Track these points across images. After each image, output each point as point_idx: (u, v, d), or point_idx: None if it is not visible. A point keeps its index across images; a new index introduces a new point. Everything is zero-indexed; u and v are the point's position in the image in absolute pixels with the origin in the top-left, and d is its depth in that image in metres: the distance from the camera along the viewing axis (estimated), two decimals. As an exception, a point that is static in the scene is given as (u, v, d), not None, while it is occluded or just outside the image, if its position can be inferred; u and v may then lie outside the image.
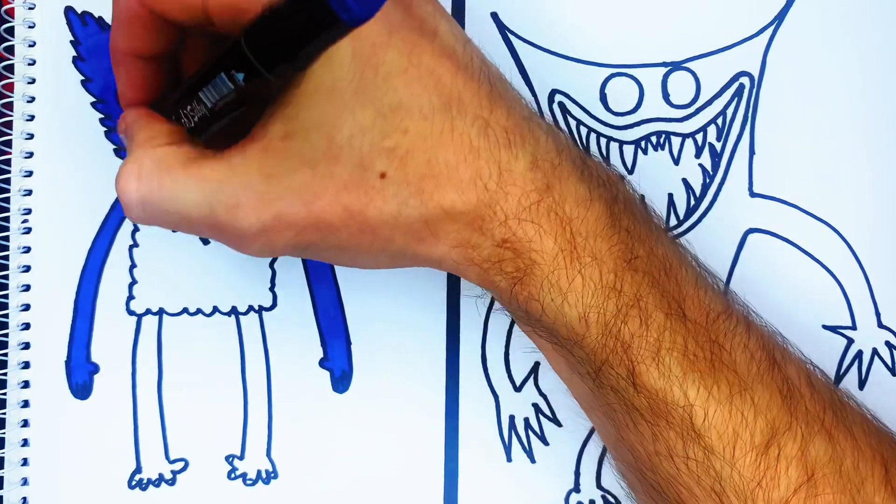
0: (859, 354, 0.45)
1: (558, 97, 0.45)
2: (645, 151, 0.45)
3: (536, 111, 0.38)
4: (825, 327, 0.45)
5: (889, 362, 0.45)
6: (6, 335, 0.43)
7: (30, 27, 0.43)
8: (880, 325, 0.45)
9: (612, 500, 0.45)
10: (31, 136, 0.43)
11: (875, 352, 0.45)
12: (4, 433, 0.43)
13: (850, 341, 0.45)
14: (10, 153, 0.43)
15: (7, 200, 0.43)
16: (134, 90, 0.38)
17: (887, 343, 0.45)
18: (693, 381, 0.35)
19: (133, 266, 0.44)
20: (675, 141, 0.45)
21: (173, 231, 0.36)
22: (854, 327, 0.45)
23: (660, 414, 0.35)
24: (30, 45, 0.43)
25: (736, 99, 0.45)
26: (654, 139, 0.45)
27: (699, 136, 0.45)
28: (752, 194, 0.45)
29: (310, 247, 0.35)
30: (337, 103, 0.33)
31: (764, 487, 0.35)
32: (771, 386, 0.36)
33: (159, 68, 0.37)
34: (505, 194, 0.35)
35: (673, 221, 0.45)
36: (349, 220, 0.34)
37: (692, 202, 0.45)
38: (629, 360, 0.35)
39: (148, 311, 0.44)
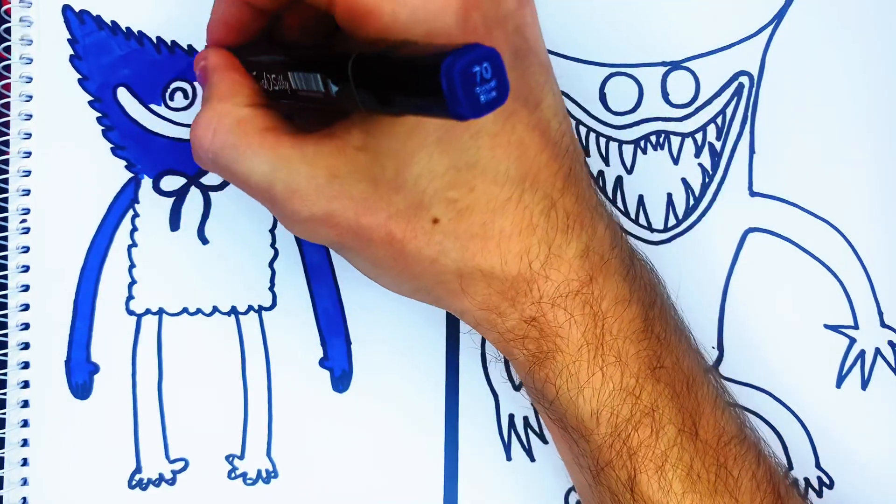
0: (861, 354, 0.45)
1: (558, 96, 0.45)
2: (644, 151, 0.45)
3: (604, 199, 0.39)
4: (827, 327, 0.45)
5: (892, 362, 0.45)
6: (6, 335, 0.43)
7: (27, 25, 0.43)
8: (883, 325, 0.45)
9: (612, 498, 0.45)
10: (29, 136, 0.43)
11: (878, 351, 0.45)
12: (4, 433, 0.43)
13: (853, 341, 0.45)
14: (7, 153, 0.43)
15: (6, 200, 0.43)
16: (226, 30, 0.38)
17: (890, 343, 0.45)
18: (691, 501, 0.36)
19: (132, 266, 0.44)
20: (675, 140, 0.45)
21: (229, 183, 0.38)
22: (856, 327, 0.45)
23: None
24: (27, 44, 0.43)
25: (735, 98, 0.45)
26: (653, 139, 0.45)
27: (699, 136, 0.45)
28: (752, 193, 0.45)
29: (345, 249, 0.36)
30: (418, 141, 0.33)
31: None
32: None
33: (261, 17, 0.37)
34: (546, 276, 0.35)
35: (672, 221, 0.45)
36: (388, 245, 0.34)
37: (692, 202, 0.45)
38: (632, 466, 0.36)
39: (148, 311, 0.44)
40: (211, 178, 0.44)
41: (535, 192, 0.35)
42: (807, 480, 0.45)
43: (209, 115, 0.35)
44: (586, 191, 0.37)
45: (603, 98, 0.45)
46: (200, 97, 0.44)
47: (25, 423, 0.43)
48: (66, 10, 0.43)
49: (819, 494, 0.45)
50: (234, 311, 0.44)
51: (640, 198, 0.45)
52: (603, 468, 0.36)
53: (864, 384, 0.45)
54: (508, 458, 0.45)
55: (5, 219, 0.43)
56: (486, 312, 0.36)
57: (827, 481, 0.45)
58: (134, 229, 0.44)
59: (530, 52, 0.35)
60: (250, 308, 0.44)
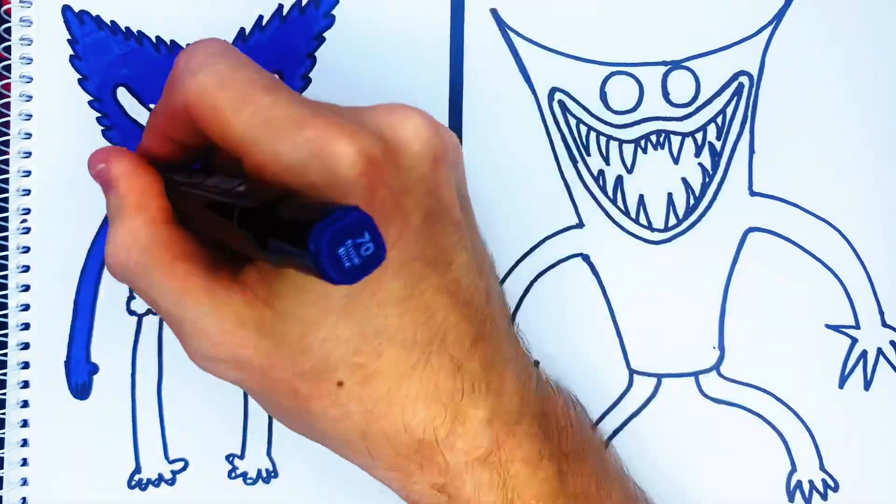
0: (864, 354, 0.45)
1: (558, 95, 0.45)
2: (645, 150, 0.45)
3: (527, 350, 0.39)
4: (828, 327, 0.45)
5: (894, 362, 0.45)
6: (6, 335, 0.43)
7: (27, 25, 0.43)
8: (884, 325, 0.45)
9: (612, 499, 0.45)
10: (29, 136, 0.43)
11: (880, 351, 0.45)
12: (4, 433, 0.43)
13: (854, 341, 0.45)
14: (8, 153, 0.43)
15: (6, 200, 0.43)
16: (159, 147, 0.37)
17: (892, 342, 0.45)
18: None
19: (132, 266, 0.44)
20: (675, 140, 0.45)
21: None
22: (857, 326, 0.45)
23: None
24: (27, 44, 0.43)
25: (735, 98, 0.45)
26: (653, 138, 0.45)
27: (699, 135, 0.45)
28: (752, 193, 0.45)
29: (249, 390, 0.36)
30: (323, 308, 0.32)
31: None
32: None
33: (187, 152, 0.37)
34: (452, 444, 0.34)
35: (672, 221, 0.45)
36: (294, 399, 0.34)
37: (692, 201, 0.45)
38: None
39: (148, 311, 0.44)
40: (211, 178, 0.44)
41: (442, 355, 0.34)
42: (811, 483, 0.45)
43: (123, 235, 0.34)
44: (497, 348, 0.36)
45: (603, 97, 0.45)
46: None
47: (25, 424, 0.43)
48: (66, 10, 0.43)
49: (824, 497, 0.45)
50: (233, 311, 0.44)
51: (641, 197, 0.45)
52: None
53: (867, 385, 0.45)
54: (509, 459, 0.45)
55: (5, 219, 0.43)
56: (395, 475, 0.35)
57: (832, 484, 0.45)
58: (134, 229, 0.44)
59: (444, 213, 0.34)
60: (250, 308, 0.44)
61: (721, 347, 0.45)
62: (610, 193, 0.45)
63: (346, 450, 0.36)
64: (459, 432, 0.34)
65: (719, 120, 0.45)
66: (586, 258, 0.45)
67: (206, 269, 0.33)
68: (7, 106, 0.43)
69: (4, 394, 0.43)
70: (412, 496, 0.36)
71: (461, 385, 0.34)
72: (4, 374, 0.43)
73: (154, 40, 0.44)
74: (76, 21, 0.44)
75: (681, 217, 0.45)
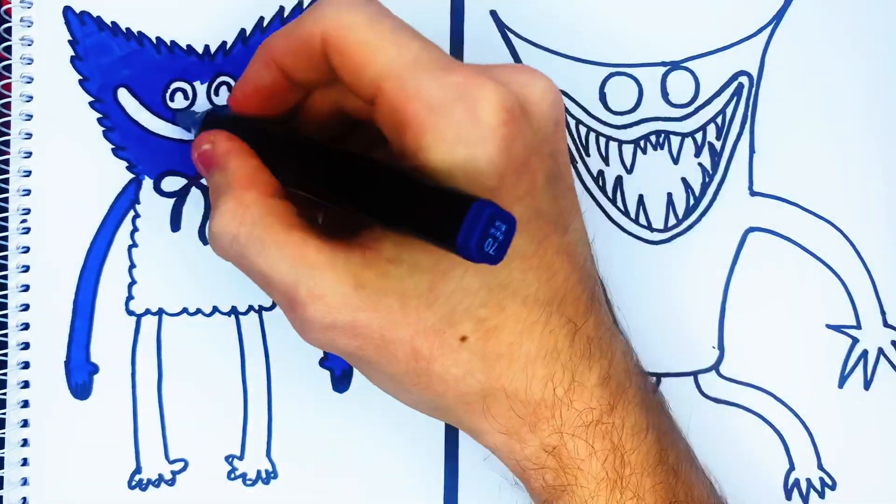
0: (864, 354, 0.45)
1: (558, 96, 0.45)
2: (644, 151, 0.45)
3: (617, 320, 0.40)
4: (829, 327, 0.45)
5: (895, 362, 0.45)
6: (6, 335, 0.43)
7: (27, 26, 0.43)
8: (885, 325, 0.45)
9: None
10: (30, 136, 0.43)
11: (881, 351, 0.45)
12: (4, 433, 0.43)
13: (855, 341, 0.45)
14: (8, 153, 0.43)
15: (6, 200, 0.43)
16: (256, 97, 0.37)
17: (893, 342, 0.45)
18: None
19: (132, 266, 0.44)
20: (675, 140, 0.45)
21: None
22: (859, 326, 0.45)
23: None
24: (27, 44, 0.43)
25: (735, 98, 0.45)
26: (653, 138, 0.45)
27: (699, 136, 0.45)
28: (753, 193, 0.45)
29: (364, 361, 0.35)
30: (454, 259, 0.31)
31: None
32: None
33: (295, 92, 0.37)
34: (569, 403, 0.35)
35: (672, 221, 0.45)
36: (413, 362, 0.34)
37: (692, 201, 0.45)
38: None
39: (147, 312, 0.44)
40: (211, 179, 0.44)
41: (561, 316, 0.35)
42: (809, 482, 0.45)
43: (233, 205, 0.34)
44: (605, 315, 0.37)
45: (603, 98, 0.45)
46: (199, 104, 0.44)
47: (25, 423, 0.43)
48: (67, 11, 0.43)
49: (821, 496, 0.45)
50: (234, 311, 0.44)
51: (641, 197, 0.45)
52: None
53: (867, 384, 0.45)
54: (509, 459, 0.45)
55: (5, 219, 0.43)
56: (506, 437, 0.36)
57: (829, 482, 0.45)
58: (134, 230, 0.44)
59: (561, 177, 0.35)
60: (250, 308, 0.44)
61: (721, 347, 0.45)
62: (609, 194, 0.45)
63: (461, 411, 0.35)
64: (577, 393, 0.35)
65: (719, 120, 0.45)
66: (586, 258, 0.45)
67: (321, 236, 0.34)
68: (7, 106, 0.43)
69: (4, 394, 0.43)
70: (521, 462, 0.36)
71: (578, 347, 0.35)
72: (4, 374, 0.43)
73: (154, 41, 0.44)
74: (77, 22, 0.44)
75: (680, 217, 0.45)
